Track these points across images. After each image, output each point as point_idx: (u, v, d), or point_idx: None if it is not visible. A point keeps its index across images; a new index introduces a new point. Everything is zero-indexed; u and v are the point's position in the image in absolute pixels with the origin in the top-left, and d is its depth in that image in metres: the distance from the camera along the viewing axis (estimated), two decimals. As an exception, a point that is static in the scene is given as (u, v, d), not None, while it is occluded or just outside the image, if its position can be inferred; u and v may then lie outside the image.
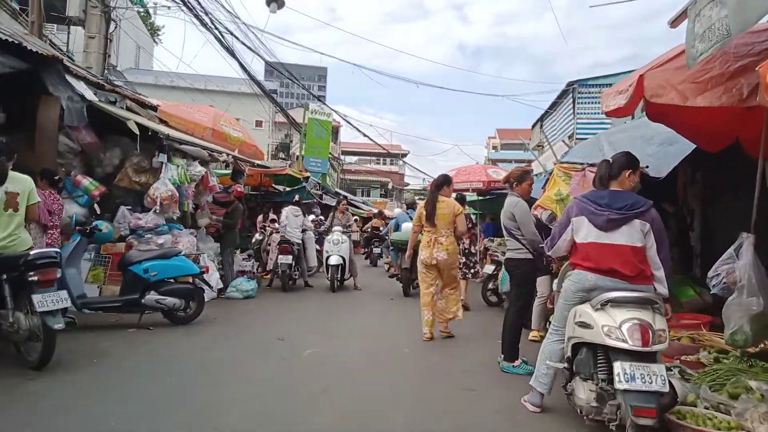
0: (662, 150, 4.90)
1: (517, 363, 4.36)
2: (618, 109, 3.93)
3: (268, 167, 13.71)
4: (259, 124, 30.20)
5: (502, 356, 4.51)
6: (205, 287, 6.65)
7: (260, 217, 12.00)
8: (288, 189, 14.27)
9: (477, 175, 12.42)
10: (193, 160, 7.69)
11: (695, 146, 4.60)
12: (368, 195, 52.01)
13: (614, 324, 2.63)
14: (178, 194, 7.02)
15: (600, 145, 5.41)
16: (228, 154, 8.56)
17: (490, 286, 8.56)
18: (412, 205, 11.64)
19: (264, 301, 8.16)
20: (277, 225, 10.99)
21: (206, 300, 7.13)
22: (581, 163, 5.61)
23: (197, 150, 7.57)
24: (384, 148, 31.28)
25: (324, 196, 21.36)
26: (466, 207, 9.30)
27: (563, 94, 23.22)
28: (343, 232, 9.83)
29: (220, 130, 9.24)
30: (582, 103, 22.48)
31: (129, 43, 22.62)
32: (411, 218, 9.55)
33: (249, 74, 14.75)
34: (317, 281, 10.66)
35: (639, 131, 5.34)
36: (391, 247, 10.96)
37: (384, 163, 56.33)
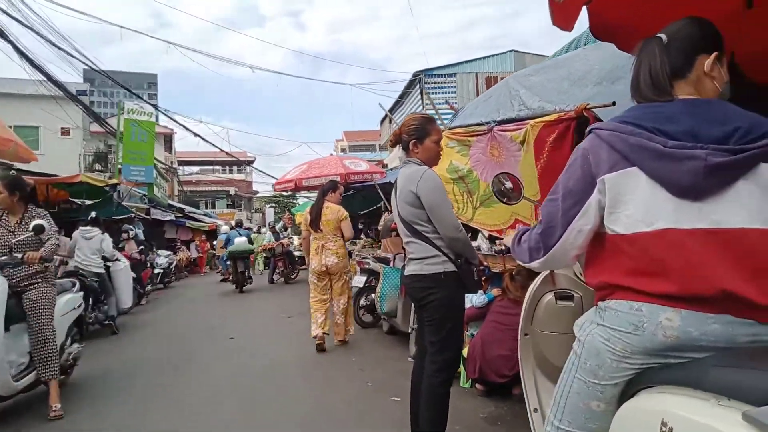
0: (604, 91, 3.33)
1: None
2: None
3: (55, 175, 10.23)
4: (65, 131, 24.94)
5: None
6: None
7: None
8: (88, 203, 10.87)
9: (332, 167, 10.53)
10: None
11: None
12: (213, 207, 47.65)
13: None
14: None
15: (513, 93, 3.74)
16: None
17: (362, 302, 6.65)
18: (239, 224, 14.23)
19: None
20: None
21: None
22: (485, 123, 3.90)
23: None
24: (230, 155, 27.89)
25: (152, 209, 18.02)
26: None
27: (410, 85, 22.52)
28: None
29: (-61, 115, 5.95)
30: (430, 93, 21.98)
31: None
32: (240, 235, 12.32)
33: (36, 66, 10.97)
34: (132, 320, 7.78)
35: (561, 70, 3.78)
36: (225, 257, 12.81)
37: (231, 172, 52.22)
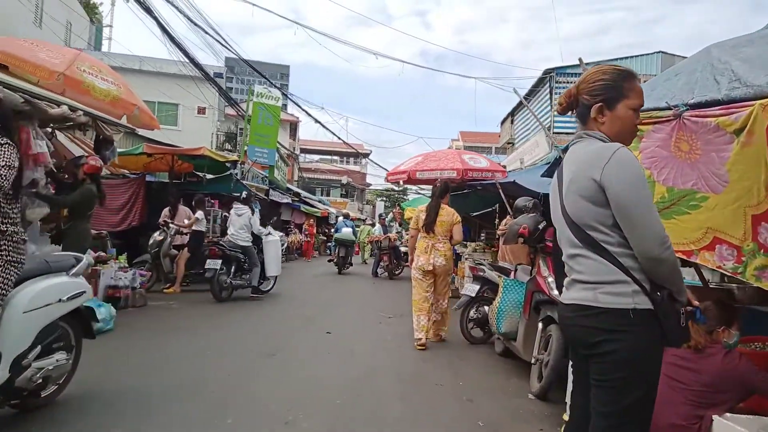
0: None
1: None
2: None
3: (175, 146, 10.63)
4: (201, 110, 26.95)
5: None
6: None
7: (165, 210, 8.96)
8: (209, 177, 11.20)
9: (449, 161, 9.73)
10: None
11: None
12: (328, 194, 49.10)
13: None
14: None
15: (718, 67, 2.72)
16: (75, 109, 5.49)
17: (472, 314, 5.79)
18: (347, 216, 16.22)
19: (123, 340, 5.11)
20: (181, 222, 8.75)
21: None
22: (672, 106, 2.90)
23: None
24: (349, 145, 28.27)
25: (271, 191, 18.58)
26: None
27: (539, 83, 20.90)
28: None
29: (78, 77, 6.07)
30: (560, 93, 20.22)
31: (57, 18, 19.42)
32: (346, 225, 14.30)
33: (176, 43, 11.52)
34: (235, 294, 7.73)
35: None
36: (333, 243, 14.82)
37: (347, 162, 53.58)
